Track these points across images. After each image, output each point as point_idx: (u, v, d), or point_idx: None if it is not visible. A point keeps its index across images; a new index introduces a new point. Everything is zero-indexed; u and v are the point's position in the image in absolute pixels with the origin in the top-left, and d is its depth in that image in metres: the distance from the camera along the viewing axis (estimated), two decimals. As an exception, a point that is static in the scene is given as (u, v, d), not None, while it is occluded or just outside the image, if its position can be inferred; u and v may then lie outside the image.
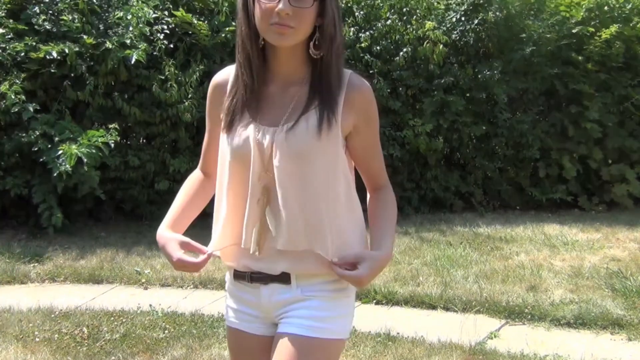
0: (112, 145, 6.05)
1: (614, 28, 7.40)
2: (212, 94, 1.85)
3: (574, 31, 7.57)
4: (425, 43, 7.39)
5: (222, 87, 1.80)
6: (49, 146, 5.96)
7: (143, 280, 5.11)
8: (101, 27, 6.63)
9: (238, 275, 1.85)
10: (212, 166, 1.87)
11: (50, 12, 6.52)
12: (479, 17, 7.52)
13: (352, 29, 7.50)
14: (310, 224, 1.72)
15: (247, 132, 1.71)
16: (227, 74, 1.82)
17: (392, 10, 7.69)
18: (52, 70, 6.24)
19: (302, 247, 1.73)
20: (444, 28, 7.60)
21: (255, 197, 1.72)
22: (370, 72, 7.35)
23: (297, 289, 1.78)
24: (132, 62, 6.23)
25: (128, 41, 6.34)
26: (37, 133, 5.98)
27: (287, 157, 1.68)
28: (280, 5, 1.61)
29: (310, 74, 1.73)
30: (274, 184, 1.70)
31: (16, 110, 6.00)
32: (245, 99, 1.73)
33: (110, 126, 6.18)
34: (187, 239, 1.80)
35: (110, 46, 6.24)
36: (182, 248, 1.78)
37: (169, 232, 1.81)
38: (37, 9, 6.46)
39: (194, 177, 1.97)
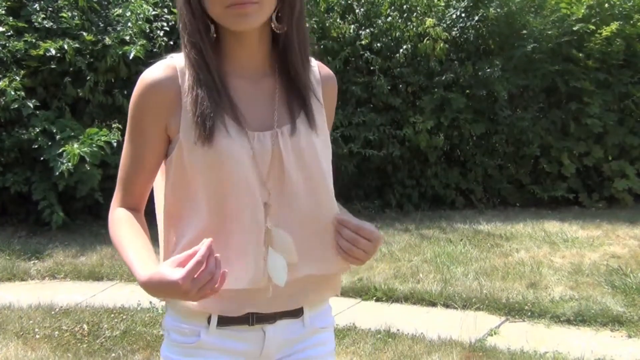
0: (115, 144, 6.03)
1: (614, 25, 7.40)
2: (150, 98, 1.37)
3: (574, 28, 7.56)
4: (425, 40, 7.38)
5: (166, 88, 1.37)
6: (50, 143, 5.97)
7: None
8: (101, 24, 6.64)
9: (226, 320, 1.43)
10: (141, 198, 1.47)
11: (50, 9, 6.52)
12: (480, 14, 7.51)
13: (353, 26, 7.50)
14: (319, 237, 1.45)
15: (237, 140, 1.36)
16: (168, 71, 1.39)
17: (393, 7, 7.68)
18: (52, 67, 6.25)
19: (314, 270, 1.45)
20: (444, 25, 7.59)
21: (256, 219, 1.38)
22: (371, 69, 7.36)
23: (309, 319, 1.50)
24: (131, 58, 6.24)
25: (127, 38, 6.34)
26: (37, 130, 5.99)
27: (293, 165, 1.40)
28: None
29: (277, 58, 1.44)
30: (276, 199, 1.40)
31: (16, 106, 6.00)
32: (215, 100, 1.36)
33: (113, 125, 6.17)
34: (178, 256, 1.26)
35: (109, 43, 6.24)
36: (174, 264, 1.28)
37: (153, 268, 1.28)
38: (37, 6, 6.46)
39: (125, 215, 1.45)
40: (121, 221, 1.43)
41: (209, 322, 1.42)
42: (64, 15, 6.34)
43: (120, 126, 6.17)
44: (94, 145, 5.89)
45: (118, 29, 6.47)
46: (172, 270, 1.22)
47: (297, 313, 1.48)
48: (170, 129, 1.38)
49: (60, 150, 5.85)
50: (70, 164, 5.74)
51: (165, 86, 1.37)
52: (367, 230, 1.42)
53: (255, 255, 1.39)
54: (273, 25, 1.37)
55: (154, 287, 1.25)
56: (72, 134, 6.02)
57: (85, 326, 4.12)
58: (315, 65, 1.52)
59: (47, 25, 6.37)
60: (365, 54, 7.35)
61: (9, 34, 6.31)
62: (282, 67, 1.43)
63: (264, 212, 1.39)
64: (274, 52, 1.43)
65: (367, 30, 7.47)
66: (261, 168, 1.38)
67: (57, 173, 5.80)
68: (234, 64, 1.41)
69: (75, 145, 5.83)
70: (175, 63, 1.39)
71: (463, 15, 7.61)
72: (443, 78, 7.41)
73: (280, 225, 1.40)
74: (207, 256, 1.21)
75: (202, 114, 1.34)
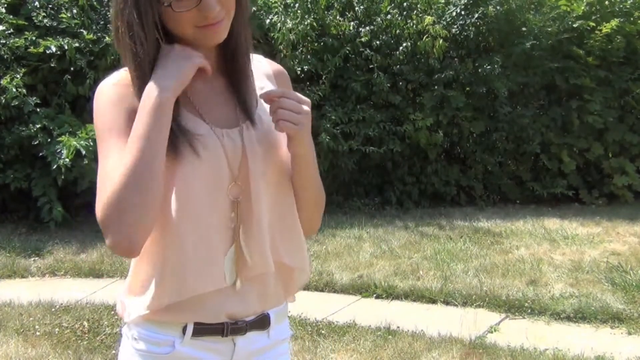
0: None
1: (614, 22, 7.39)
2: (117, 93, 1.35)
3: (574, 25, 7.56)
4: (424, 37, 7.38)
5: (129, 88, 1.35)
6: (49, 140, 5.98)
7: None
8: (100, 22, 6.64)
9: (201, 331, 1.40)
10: None
11: (50, 6, 6.52)
12: (479, 11, 7.51)
13: (352, 23, 7.50)
14: (286, 233, 1.46)
15: (208, 137, 1.35)
16: (125, 81, 1.36)
17: (392, 5, 7.68)
18: (52, 65, 6.25)
19: (273, 265, 1.43)
20: (444, 22, 7.59)
21: (226, 216, 1.38)
22: (370, 66, 7.35)
23: (273, 332, 1.50)
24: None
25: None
26: (37, 127, 5.99)
27: (261, 160, 1.39)
28: (207, 7, 1.28)
29: (227, 58, 1.42)
30: (244, 196, 1.38)
31: (16, 104, 6.00)
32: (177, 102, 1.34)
33: None
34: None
35: (109, 41, 6.25)
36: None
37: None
38: (37, 3, 6.46)
39: None
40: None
41: (184, 332, 1.39)
42: (63, 15, 6.34)
43: None
44: (90, 140, 5.90)
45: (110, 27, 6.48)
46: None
47: (264, 324, 1.46)
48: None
49: (59, 146, 5.85)
50: (67, 159, 5.75)
51: (127, 86, 1.35)
52: (303, 98, 1.40)
53: (226, 252, 1.39)
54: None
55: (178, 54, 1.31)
56: (71, 129, 6.03)
57: (85, 323, 4.12)
58: (264, 60, 1.53)
59: (47, 24, 6.37)
60: (365, 51, 7.34)
61: (10, 31, 6.31)
62: (230, 65, 1.42)
63: (235, 208, 1.38)
64: (222, 52, 1.41)
65: (367, 28, 7.47)
66: (232, 164, 1.37)
67: (55, 167, 5.81)
68: None
69: (72, 139, 5.85)
70: (128, 77, 1.36)
71: (463, 12, 7.61)
72: (443, 75, 7.41)
73: (247, 220, 1.39)
74: None
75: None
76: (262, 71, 1.51)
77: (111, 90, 1.36)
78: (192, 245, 1.34)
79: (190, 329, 1.39)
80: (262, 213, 1.39)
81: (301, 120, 1.36)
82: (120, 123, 1.32)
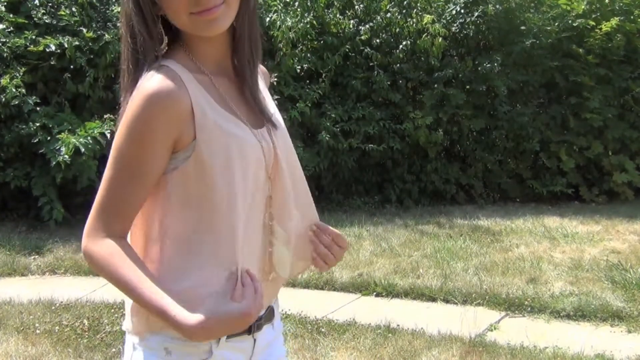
0: (109, 135, 6.04)
1: (614, 21, 7.40)
2: (161, 113, 1.24)
3: (574, 24, 7.56)
4: (424, 36, 7.38)
5: (180, 97, 1.26)
6: (48, 138, 5.98)
7: (143, 273, 5.11)
8: (100, 20, 6.64)
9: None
10: (132, 223, 1.34)
11: (50, 4, 6.52)
12: (479, 10, 7.51)
13: (352, 21, 7.50)
14: (305, 232, 1.48)
15: (252, 140, 1.34)
16: (176, 79, 1.27)
17: (392, 3, 7.68)
18: (52, 63, 6.25)
19: (301, 266, 1.50)
20: (444, 21, 7.59)
21: (262, 214, 1.39)
22: (370, 64, 7.35)
23: (276, 322, 1.53)
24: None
25: (127, 34, 6.34)
26: (37, 125, 6.00)
27: (286, 159, 1.41)
28: None
29: (233, 56, 1.37)
30: (275, 194, 1.39)
31: (16, 102, 6.00)
32: (210, 100, 1.31)
33: (105, 116, 6.17)
34: (224, 290, 1.27)
35: (109, 39, 6.25)
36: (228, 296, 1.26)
37: (195, 312, 1.21)
38: (36, 1, 6.46)
39: (125, 249, 1.29)
40: (123, 256, 1.27)
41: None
42: (63, 13, 6.34)
43: (113, 117, 6.17)
44: (89, 137, 5.90)
45: (118, 25, 6.47)
46: (234, 305, 1.22)
47: (271, 316, 1.49)
48: (182, 140, 1.27)
49: (58, 144, 5.85)
50: (66, 156, 5.75)
51: (177, 97, 1.25)
52: (342, 238, 1.47)
53: (263, 252, 1.40)
54: (234, 23, 1.31)
55: (212, 328, 1.21)
56: (70, 127, 6.03)
57: (85, 321, 4.12)
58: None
59: (47, 21, 6.37)
60: (365, 50, 7.34)
61: (9, 30, 6.31)
62: (245, 64, 1.37)
63: (269, 207, 1.39)
64: (234, 51, 1.37)
65: (367, 26, 7.47)
66: (268, 164, 1.37)
67: (54, 164, 5.81)
68: (210, 64, 1.35)
69: (71, 136, 5.85)
70: (174, 71, 1.27)
71: (462, 11, 7.61)
72: (443, 74, 7.41)
73: (279, 218, 1.41)
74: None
75: (226, 113, 1.33)
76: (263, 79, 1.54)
77: (162, 108, 1.24)
78: (246, 248, 1.34)
79: None
80: (292, 211, 1.43)
81: (335, 262, 1.47)
82: (150, 142, 1.25)
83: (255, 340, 1.43)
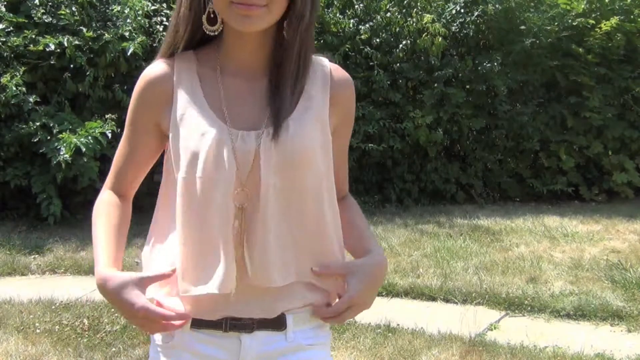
0: (110, 135, 6.04)
1: (614, 20, 7.40)
2: (145, 92, 1.39)
3: (574, 23, 7.56)
4: (424, 35, 7.38)
5: (161, 84, 1.38)
6: (49, 137, 5.98)
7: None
8: (100, 19, 6.64)
9: (200, 323, 1.37)
10: (129, 187, 1.48)
11: (50, 4, 6.52)
12: (479, 9, 7.51)
13: (352, 20, 7.50)
14: (296, 248, 1.37)
15: (218, 137, 1.31)
16: (165, 68, 1.39)
17: (392, 3, 7.68)
18: (52, 63, 6.25)
19: (283, 281, 1.36)
20: (444, 20, 7.59)
21: (229, 222, 1.32)
22: (370, 64, 7.35)
23: (292, 334, 1.40)
24: (128, 54, 6.26)
25: (127, 34, 6.34)
26: (37, 124, 6.00)
27: (275, 169, 1.31)
28: None
29: (276, 62, 1.36)
30: (251, 203, 1.32)
31: (16, 102, 6.01)
32: (201, 95, 1.36)
33: (106, 116, 6.18)
34: (147, 274, 1.33)
35: (109, 38, 6.25)
36: (143, 287, 1.31)
37: (115, 272, 1.32)
38: (36, 1, 6.46)
39: (109, 202, 1.46)
40: (102, 207, 1.45)
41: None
42: (62, 12, 6.34)
43: (114, 117, 6.17)
44: (89, 137, 5.90)
45: (117, 24, 6.47)
46: (132, 300, 1.27)
47: (278, 325, 1.39)
48: (164, 125, 1.39)
49: (58, 143, 5.85)
50: (67, 155, 5.75)
51: (159, 82, 1.38)
52: (360, 308, 1.40)
53: (226, 259, 1.32)
54: (285, 32, 1.32)
55: (105, 288, 1.30)
56: (70, 127, 6.04)
57: (85, 321, 4.12)
58: (329, 66, 1.45)
59: (46, 21, 6.36)
60: (365, 49, 7.34)
61: (9, 29, 6.31)
62: (276, 69, 1.36)
63: (239, 215, 1.32)
64: (274, 54, 1.36)
65: (367, 25, 7.47)
66: (242, 168, 1.31)
67: (54, 163, 5.81)
68: (232, 61, 1.37)
69: (72, 136, 5.85)
70: (174, 60, 1.39)
71: (462, 10, 7.61)
72: (443, 73, 7.41)
73: (252, 229, 1.33)
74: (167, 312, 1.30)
75: (186, 106, 1.36)
76: (320, 76, 1.42)
77: (142, 87, 1.40)
78: (192, 247, 1.34)
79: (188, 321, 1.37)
80: (268, 225, 1.32)
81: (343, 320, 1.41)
82: (136, 119, 1.42)
83: (241, 341, 1.37)
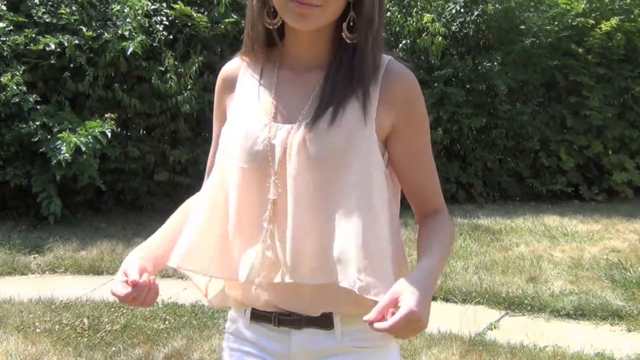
0: (109, 134, 6.04)
1: (614, 20, 7.40)
2: (219, 87, 1.49)
3: (574, 23, 7.57)
4: (424, 35, 7.38)
5: (232, 79, 1.45)
6: (49, 137, 5.98)
7: (143, 272, 5.11)
8: (100, 19, 6.64)
9: (258, 316, 1.43)
10: None
11: (50, 3, 6.52)
12: (479, 9, 7.51)
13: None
14: (331, 247, 1.31)
15: (257, 128, 1.35)
16: (235, 63, 1.47)
17: (392, 2, 7.68)
18: (52, 62, 6.25)
19: (314, 279, 1.33)
20: (444, 20, 7.59)
21: (260, 213, 1.35)
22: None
23: (341, 335, 1.39)
24: (129, 53, 6.26)
25: (127, 33, 6.34)
26: (37, 124, 6.00)
27: (305, 163, 1.30)
28: None
29: (336, 58, 1.36)
30: (282, 196, 1.33)
31: (16, 101, 6.01)
32: (257, 87, 1.41)
33: (106, 115, 6.18)
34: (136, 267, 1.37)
35: (109, 38, 6.25)
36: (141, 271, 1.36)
37: (138, 252, 1.43)
38: (36, 0, 6.46)
39: (186, 203, 1.55)
40: (186, 204, 1.54)
41: (245, 314, 1.46)
42: (62, 11, 6.34)
43: (113, 116, 6.17)
44: (89, 136, 5.90)
45: (117, 24, 6.47)
46: (120, 285, 1.33)
47: (325, 324, 1.38)
48: (227, 115, 1.47)
49: (58, 142, 5.86)
50: (67, 155, 5.76)
51: (227, 75, 1.47)
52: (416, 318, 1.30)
53: (253, 250, 1.36)
54: (344, 35, 1.32)
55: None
56: (70, 126, 6.04)
57: (85, 320, 4.12)
58: (397, 70, 1.39)
59: (46, 20, 6.36)
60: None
61: (9, 28, 6.31)
62: (342, 69, 1.35)
63: (270, 208, 1.34)
64: (340, 53, 1.35)
65: (367, 25, 7.47)
66: (275, 160, 1.33)
67: (54, 162, 5.81)
68: (289, 56, 1.40)
69: (72, 135, 5.86)
70: (245, 57, 1.45)
71: (462, 10, 7.61)
72: (443, 72, 7.41)
73: (281, 222, 1.34)
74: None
75: (239, 99, 1.44)
76: (381, 80, 1.37)
77: (218, 83, 1.50)
78: (225, 230, 1.38)
79: (248, 312, 1.45)
80: (298, 220, 1.31)
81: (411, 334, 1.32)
82: (216, 117, 1.51)
83: (290, 336, 1.40)
